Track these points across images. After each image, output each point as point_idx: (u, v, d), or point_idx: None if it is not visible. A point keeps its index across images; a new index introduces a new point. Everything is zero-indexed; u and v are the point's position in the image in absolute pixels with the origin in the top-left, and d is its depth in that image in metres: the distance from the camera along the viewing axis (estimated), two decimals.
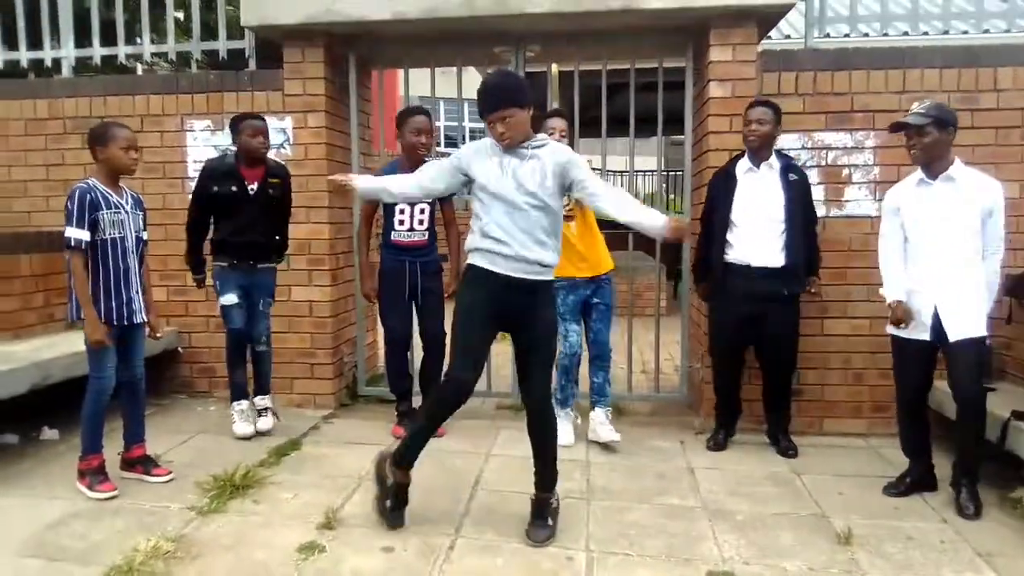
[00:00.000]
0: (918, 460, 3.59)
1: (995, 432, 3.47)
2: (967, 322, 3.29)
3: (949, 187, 3.34)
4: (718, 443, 4.22)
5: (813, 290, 4.12)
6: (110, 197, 3.39)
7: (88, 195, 3.31)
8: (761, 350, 4.15)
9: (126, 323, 3.44)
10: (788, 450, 4.11)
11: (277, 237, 4.35)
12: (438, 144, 4.44)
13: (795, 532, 3.14)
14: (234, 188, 4.10)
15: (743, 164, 4.06)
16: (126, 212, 3.44)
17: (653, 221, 2.97)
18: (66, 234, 3.29)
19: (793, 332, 4.08)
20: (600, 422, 4.32)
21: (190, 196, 4.34)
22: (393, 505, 3.13)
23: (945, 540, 3.07)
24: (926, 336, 3.39)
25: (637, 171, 7.27)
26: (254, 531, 3.10)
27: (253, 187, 4.15)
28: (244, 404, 4.34)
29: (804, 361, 4.45)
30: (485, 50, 4.95)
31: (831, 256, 4.40)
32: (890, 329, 3.55)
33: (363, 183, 3.37)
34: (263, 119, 4.19)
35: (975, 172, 3.38)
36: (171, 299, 5.01)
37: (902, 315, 3.48)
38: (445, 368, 3.13)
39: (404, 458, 3.09)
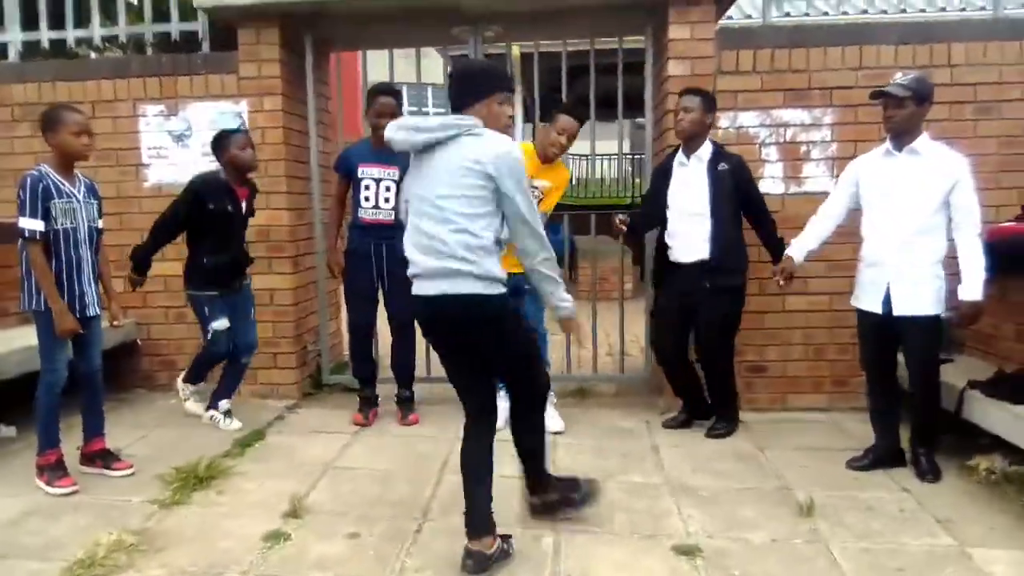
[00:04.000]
0: (883, 435, 3.60)
1: (952, 402, 3.53)
2: (916, 298, 3.32)
3: (912, 159, 3.36)
4: (679, 422, 4.24)
5: (781, 282, 3.74)
6: (62, 186, 3.29)
7: (40, 183, 3.22)
8: (696, 339, 4.12)
9: (79, 316, 3.36)
10: (713, 430, 4.09)
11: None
12: None
13: (759, 505, 3.18)
14: (230, 207, 4.00)
15: (678, 158, 4.06)
16: (79, 202, 3.35)
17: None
18: (19, 224, 3.19)
19: (720, 323, 4.00)
20: None
21: (172, 202, 4.08)
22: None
23: (905, 509, 3.13)
24: (878, 309, 3.43)
25: (599, 155, 7.33)
26: (218, 522, 3.07)
27: (243, 205, 4.10)
28: (200, 386, 4.31)
29: (767, 338, 4.52)
30: (442, 31, 4.88)
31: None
32: (852, 301, 3.60)
33: None
34: (247, 131, 4.09)
35: (940, 146, 3.37)
36: (128, 290, 4.88)
37: (784, 266, 3.68)
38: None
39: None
